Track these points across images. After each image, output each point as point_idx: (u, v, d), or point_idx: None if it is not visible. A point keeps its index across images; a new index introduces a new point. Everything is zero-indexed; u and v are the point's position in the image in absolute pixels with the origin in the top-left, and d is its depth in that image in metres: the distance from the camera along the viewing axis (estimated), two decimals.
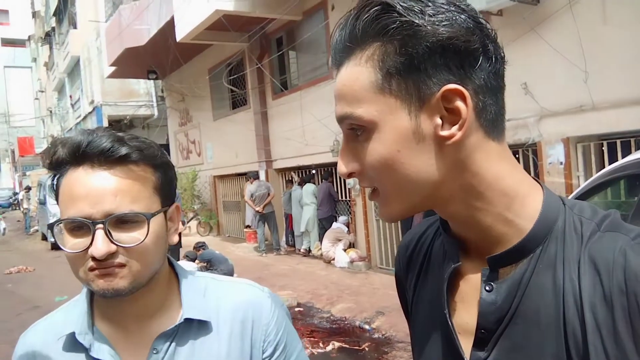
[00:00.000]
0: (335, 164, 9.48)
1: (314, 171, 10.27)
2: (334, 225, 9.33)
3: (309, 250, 9.96)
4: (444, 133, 0.61)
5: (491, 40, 0.62)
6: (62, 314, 0.94)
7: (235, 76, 11.81)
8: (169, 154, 13.07)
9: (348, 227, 9.27)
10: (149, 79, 16.03)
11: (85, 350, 0.86)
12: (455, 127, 0.61)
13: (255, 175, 10.73)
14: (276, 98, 10.78)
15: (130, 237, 0.80)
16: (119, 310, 0.88)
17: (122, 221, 0.80)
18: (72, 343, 0.86)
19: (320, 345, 5.27)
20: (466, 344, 0.67)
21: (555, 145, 5.58)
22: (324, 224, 9.51)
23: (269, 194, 10.21)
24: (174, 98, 15.88)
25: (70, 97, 23.87)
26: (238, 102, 12.53)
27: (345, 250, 8.87)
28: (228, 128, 12.68)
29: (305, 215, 9.70)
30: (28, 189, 22.00)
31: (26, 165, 35.40)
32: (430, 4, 0.60)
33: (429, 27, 0.59)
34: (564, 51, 5.25)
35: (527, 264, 0.63)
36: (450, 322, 0.69)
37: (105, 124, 18.88)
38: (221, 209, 14.13)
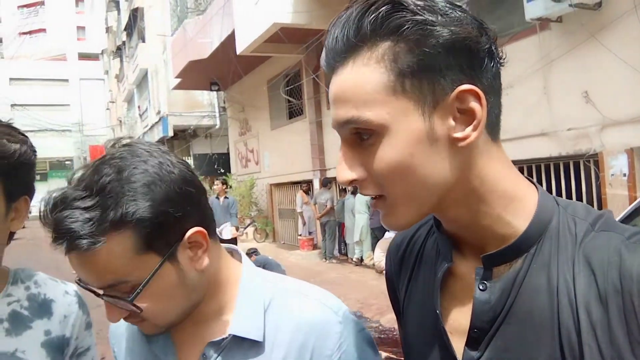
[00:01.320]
0: None
1: None
2: (386, 234, 9.26)
3: (362, 260, 9.95)
4: (458, 135, 0.60)
5: (493, 42, 0.62)
6: None
7: (292, 87, 12.05)
8: (228, 163, 13.22)
9: None
10: (211, 90, 16.61)
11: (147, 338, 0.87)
12: (470, 128, 0.59)
13: (325, 183, 10.88)
14: None
15: (131, 308, 0.74)
16: None
17: (119, 295, 0.74)
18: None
19: None
20: (458, 344, 0.66)
21: (618, 156, 5.33)
22: (377, 234, 9.47)
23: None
24: (234, 109, 16.38)
25: (139, 107, 25.10)
26: (295, 112, 12.76)
27: None
28: (285, 137, 12.93)
29: (358, 223, 9.70)
30: None
31: None
32: (435, 4, 0.59)
33: (444, 27, 0.58)
34: (627, 58, 5.02)
35: (522, 264, 0.63)
36: (442, 322, 0.68)
37: (171, 133, 19.71)
38: (277, 216, 14.37)
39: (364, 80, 0.60)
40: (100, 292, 0.74)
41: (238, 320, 0.81)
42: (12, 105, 31.01)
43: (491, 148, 0.63)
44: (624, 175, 5.28)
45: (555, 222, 0.63)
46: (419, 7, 0.58)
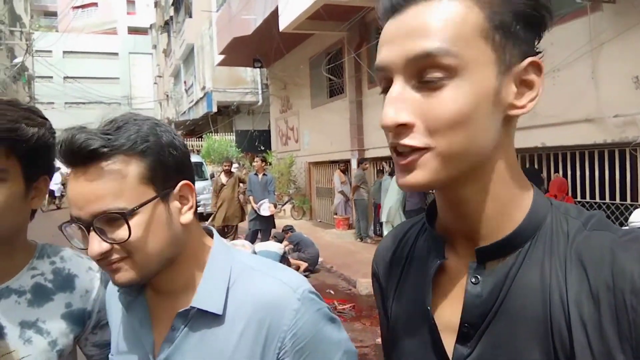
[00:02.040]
0: None
1: None
2: None
3: None
4: (519, 102, 0.61)
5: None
6: None
7: (333, 65, 12.00)
8: (269, 140, 13.38)
9: None
10: (254, 67, 16.71)
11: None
12: (526, 99, 0.61)
13: (360, 162, 10.88)
14: (372, 87, 10.80)
15: (118, 234, 0.79)
16: (154, 282, 0.89)
17: (112, 219, 0.79)
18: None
19: None
20: (449, 341, 0.66)
21: None
22: (412, 216, 9.37)
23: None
24: (276, 86, 16.46)
25: (185, 82, 25.55)
26: (335, 91, 12.71)
27: None
28: (325, 116, 12.93)
29: (387, 204, 9.62)
30: None
31: None
32: None
33: None
34: None
35: (515, 259, 0.63)
36: (433, 318, 0.68)
37: (215, 109, 20.04)
38: (314, 194, 14.48)
39: (460, 15, 0.58)
40: (91, 220, 0.78)
41: (201, 294, 0.86)
42: (65, 78, 32.08)
43: (513, 131, 0.65)
44: None
45: (549, 220, 0.64)
46: None
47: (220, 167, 9.54)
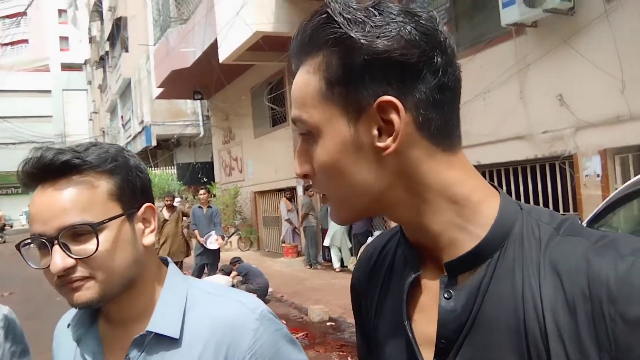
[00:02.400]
0: None
1: None
2: (369, 240, 9.31)
3: (343, 266, 9.96)
4: (380, 144, 0.61)
5: (441, 52, 0.61)
6: None
7: (275, 94, 12.09)
8: (212, 172, 13.20)
9: None
10: (194, 99, 16.61)
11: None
12: (390, 139, 0.61)
13: (305, 189, 10.90)
14: None
15: (84, 249, 0.78)
16: (107, 310, 0.88)
17: (78, 233, 0.78)
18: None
19: (349, 359, 5.27)
20: (428, 355, 0.66)
21: (592, 157, 5.44)
22: (360, 239, 9.51)
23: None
24: (218, 117, 16.37)
25: (122, 117, 24.99)
26: (278, 120, 12.80)
27: None
28: (268, 145, 12.95)
29: (332, 228, 9.68)
30: None
31: None
32: (377, 13, 0.60)
33: (363, 40, 0.59)
34: (599, 62, 5.14)
35: (485, 270, 0.62)
36: (411, 334, 0.67)
37: (154, 143, 19.64)
38: (261, 224, 14.34)
39: (305, 84, 0.65)
40: (56, 234, 0.77)
41: (157, 318, 0.85)
42: None
43: (436, 156, 0.63)
44: (598, 176, 5.38)
45: (519, 227, 0.63)
46: (346, 20, 0.60)
47: (162, 202, 9.28)
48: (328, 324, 6.63)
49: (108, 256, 0.79)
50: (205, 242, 8.69)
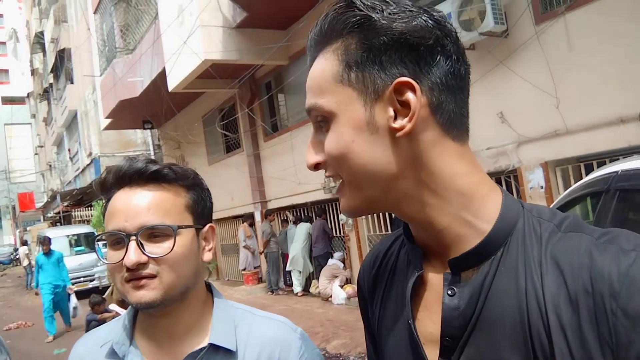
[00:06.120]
0: (328, 201, 9.62)
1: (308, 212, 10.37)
2: (330, 261, 9.36)
3: (307, 290, 9.94)
4: (395, 125, 0.62)
5: (452, 41, 0.64)
6: (108, 327, 1.02)
7: (228, 121, 12.08)
8: None
9: (344, 262, 9.30)
10: (144, 129, 16.31)
11: (120, 359, 0.92)
12: (406, 119, 0.62)
13: (266, 215, 10.90)
14: (268, 140, 11.01)
15: (160, 248, 0.86)
16: (155, 326, 0.93)
17: (154, 235, 0.87)
18: (112, 352, 0.94)
19: None
20: (433, 354, 0.66)
21: (534, 170, 5.72)
22: (320, 261, 9.53)
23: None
24: (169, 146, 16.14)
25: (69, 150, 24.24)
26: (232, 146, 12.76)
27: (342, 286, 8.88)
28: (223, 172, 12.86)
29: (292, 252, 9.66)
30: (25, 243, 21.89)
31: (27, 220, 35.49)
32: (394, 3, 0.63)
33: (384, 22, 0.61)
34: (534, 80, 5.45)
35: (489, 267, 0.62)
36: (415, 332, 0.67)
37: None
38: (219, 252, 14.14)
39: (321, 70, 0.66)
40: (136, 232, 0.86)
41: (215, 332, 0.94)
42: None
43: (446, 144, 0.64)
44: (541, 187, 5.66)
45: (521, 225, 0.63)
46: (366, 5, 0.63)
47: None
48: None
49: (178, 260, 0.88)
50: None
